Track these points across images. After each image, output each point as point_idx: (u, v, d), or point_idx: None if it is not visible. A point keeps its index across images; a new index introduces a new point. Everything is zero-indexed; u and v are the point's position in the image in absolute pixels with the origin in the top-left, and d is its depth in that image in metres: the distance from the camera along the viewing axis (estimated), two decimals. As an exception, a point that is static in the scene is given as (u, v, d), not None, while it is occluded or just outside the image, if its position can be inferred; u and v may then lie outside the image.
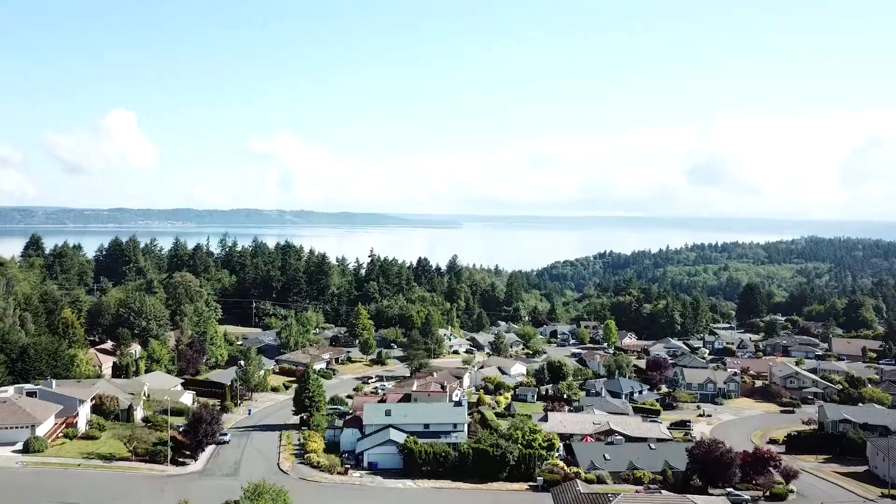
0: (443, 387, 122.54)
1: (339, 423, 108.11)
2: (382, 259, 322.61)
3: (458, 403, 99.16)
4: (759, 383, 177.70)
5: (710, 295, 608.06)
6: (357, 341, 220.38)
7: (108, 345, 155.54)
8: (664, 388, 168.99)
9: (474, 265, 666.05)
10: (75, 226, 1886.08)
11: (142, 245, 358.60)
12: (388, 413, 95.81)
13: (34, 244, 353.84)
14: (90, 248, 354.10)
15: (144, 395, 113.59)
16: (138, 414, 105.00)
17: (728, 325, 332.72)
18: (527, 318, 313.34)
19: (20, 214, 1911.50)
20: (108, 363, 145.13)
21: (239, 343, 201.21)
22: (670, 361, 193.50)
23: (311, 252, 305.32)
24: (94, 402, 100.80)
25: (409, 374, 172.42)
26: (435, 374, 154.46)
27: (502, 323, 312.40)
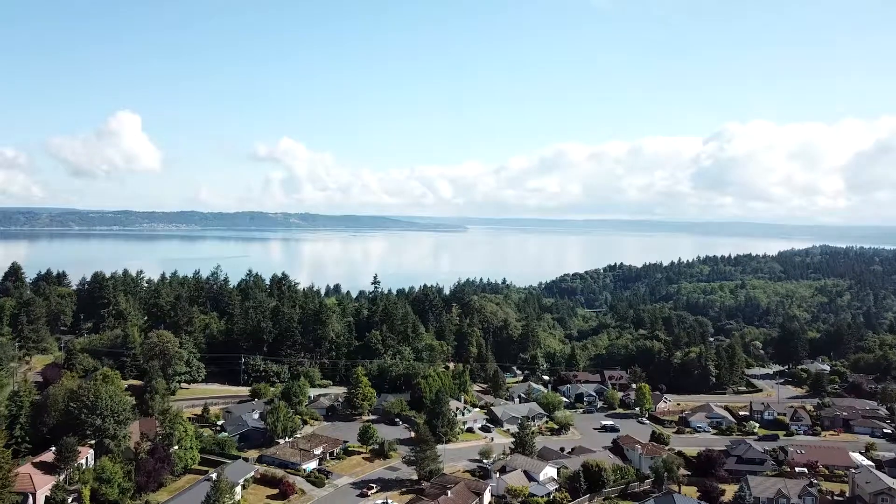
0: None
1: None
2: (386, 299, 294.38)
3: None
4: (837, 490, 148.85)
5: (730, 317, 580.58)
6: (356, 413, 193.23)
7: (52, 453, 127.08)
8: (726, 494, 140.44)
9: (481, 280, 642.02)
10: (80, 228, 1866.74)
11: (134, 271, 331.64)
12: None
13: (13, 274, 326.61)
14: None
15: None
16: None
17: (765, 373, 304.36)
18: (545, 365, 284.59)
19: (25, 216, 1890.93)
20: (45, 487, 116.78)
21: (219, 424, 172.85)
22: (723, 453, 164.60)
23: (306, 294, 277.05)
24: None
25: (416, 478, 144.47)
26: (449, 492, 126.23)
27: (519, 372, 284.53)
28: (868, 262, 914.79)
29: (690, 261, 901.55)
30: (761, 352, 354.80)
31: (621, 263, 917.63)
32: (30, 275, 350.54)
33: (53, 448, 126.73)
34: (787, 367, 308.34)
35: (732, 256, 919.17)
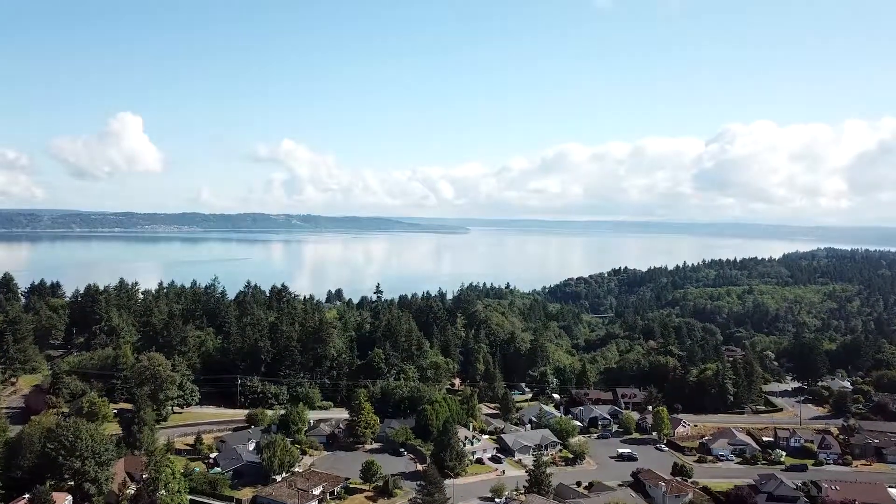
0: None
1: None
2: (389, 312, 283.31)
3: None
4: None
5: (738, 324, 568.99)
6: (358, 442, 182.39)
7: (26, 502, 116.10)
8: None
9: (484, 285, 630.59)
10: (81, 230, 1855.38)
11: (130, 281, 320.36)
12: None
13: (6, 285, 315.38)
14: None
15: None
16: None
17: (783, 389, 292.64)
18: (555, 382, 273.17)
19: (26, 218, 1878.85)
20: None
21: (212, 458, 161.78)
22: (752, 490, 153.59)
23: (306, 309, 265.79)
24: None
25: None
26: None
27: (528, 390, 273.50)
28: (875, 265, 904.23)
29: (696, 265, 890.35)
30: (774, 364, 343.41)
31: (626, 267, 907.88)
32: (30, 278, 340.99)
33: (27, 495, 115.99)
34: (805, 382, 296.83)
35: (738, 260, 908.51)
